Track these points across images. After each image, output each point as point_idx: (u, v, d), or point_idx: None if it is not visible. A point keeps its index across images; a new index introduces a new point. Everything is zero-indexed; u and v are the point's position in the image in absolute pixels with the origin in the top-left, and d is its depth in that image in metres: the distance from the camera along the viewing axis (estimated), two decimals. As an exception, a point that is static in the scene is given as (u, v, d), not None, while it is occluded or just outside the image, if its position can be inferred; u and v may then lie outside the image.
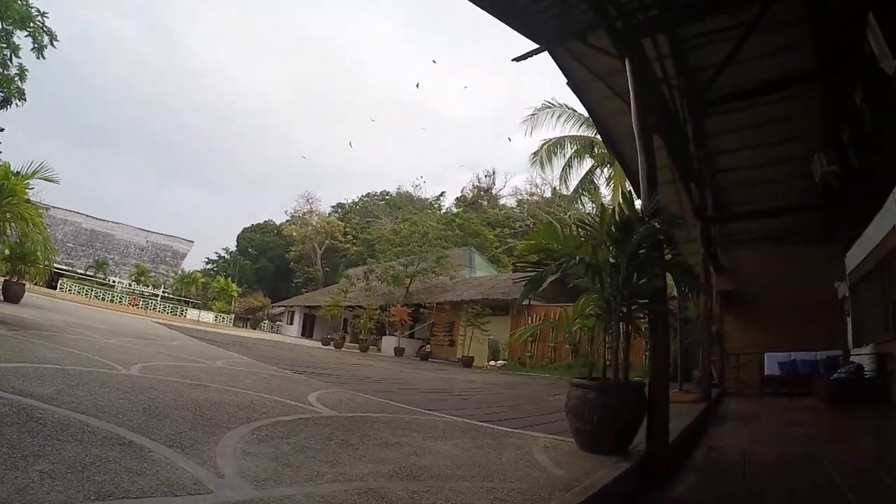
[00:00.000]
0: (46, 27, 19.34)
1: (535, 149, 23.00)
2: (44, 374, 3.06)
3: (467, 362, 18.46)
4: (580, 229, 3.30)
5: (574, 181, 23.54)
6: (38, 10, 19.38)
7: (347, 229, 55.63)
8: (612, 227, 3.02)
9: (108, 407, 2.49)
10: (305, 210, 57.63)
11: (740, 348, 12.68)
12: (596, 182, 23.40)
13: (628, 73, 4.13)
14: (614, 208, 3.09)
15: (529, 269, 3.31)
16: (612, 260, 3.11)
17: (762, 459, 3.88)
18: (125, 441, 1.95)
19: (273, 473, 1.87)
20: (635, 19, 4.60)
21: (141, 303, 36.46)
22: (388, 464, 2.25)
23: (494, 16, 5.04)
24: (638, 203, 3.56)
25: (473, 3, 4.67)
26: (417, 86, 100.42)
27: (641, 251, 2.98)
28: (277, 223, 61.46)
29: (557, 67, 6.46)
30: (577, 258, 2.98)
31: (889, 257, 8.09)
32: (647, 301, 3.09)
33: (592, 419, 2.79)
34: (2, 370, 2.90)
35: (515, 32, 5.38)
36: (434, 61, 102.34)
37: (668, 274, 3.35)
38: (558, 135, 21.66)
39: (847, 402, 8.12)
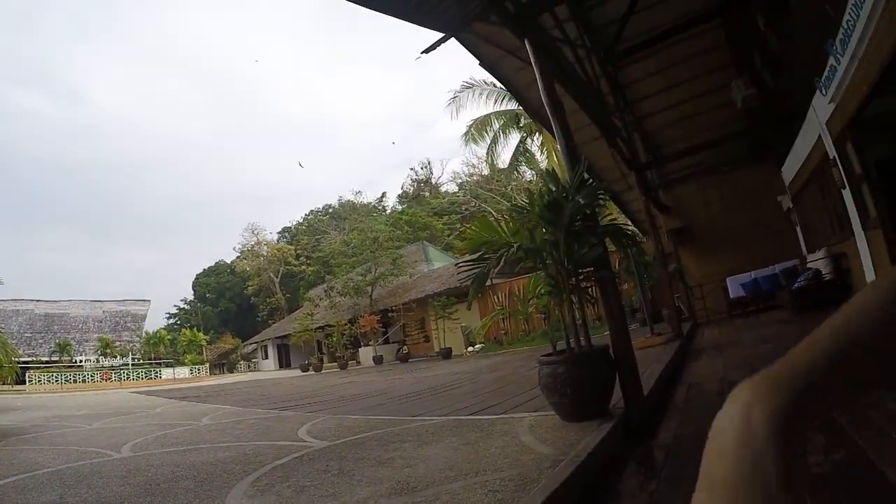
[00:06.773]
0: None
1: (463, 130, 23.07)
2: (41, 481, 3.06)
3: (446, 354, 18.61)
4: (514, 214, 3.42)
5: (507, 154, 23.90)
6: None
7: (299, 251, 54.58)
8: (544, 209, 3.15)
9: (110, 498, 2.53)
10: (253, 242, 56.34)
11: (702, 279, 13.18)
12: (530, 150, 23.68)
13: (530, 53, 4.11)
14: (540, 189, 3.21)
15: (473, 266, 3.41)
16: (549, 238, 3.24)
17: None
18: (134, 529, 2.00)
19: (280, 523, 1.94)
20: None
21: (113, 375, 35.21)
22: (384, 483, 2.35)
23: (392, 15, 4.88)
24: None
25: (368, 7, 4.54)
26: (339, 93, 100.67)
27: (576, 225, 3.13)
28: (228, 261, 59.88)
29: (468, 52, 6.43)
30: (516, 245, 3.11)
31: (821, 164, 8.51)
32: (591, 269, 3.26)
33: (567, 391, 2.94)
34: (0, 489, 2.89)
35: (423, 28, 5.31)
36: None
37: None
38: (484, 111, 21.76)
39: (812, 307, 8.53)
